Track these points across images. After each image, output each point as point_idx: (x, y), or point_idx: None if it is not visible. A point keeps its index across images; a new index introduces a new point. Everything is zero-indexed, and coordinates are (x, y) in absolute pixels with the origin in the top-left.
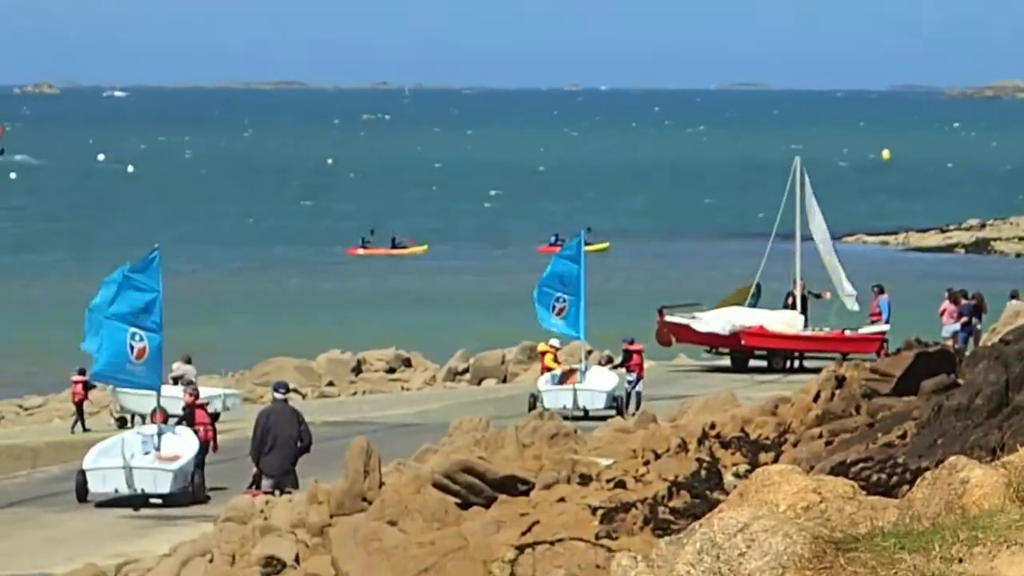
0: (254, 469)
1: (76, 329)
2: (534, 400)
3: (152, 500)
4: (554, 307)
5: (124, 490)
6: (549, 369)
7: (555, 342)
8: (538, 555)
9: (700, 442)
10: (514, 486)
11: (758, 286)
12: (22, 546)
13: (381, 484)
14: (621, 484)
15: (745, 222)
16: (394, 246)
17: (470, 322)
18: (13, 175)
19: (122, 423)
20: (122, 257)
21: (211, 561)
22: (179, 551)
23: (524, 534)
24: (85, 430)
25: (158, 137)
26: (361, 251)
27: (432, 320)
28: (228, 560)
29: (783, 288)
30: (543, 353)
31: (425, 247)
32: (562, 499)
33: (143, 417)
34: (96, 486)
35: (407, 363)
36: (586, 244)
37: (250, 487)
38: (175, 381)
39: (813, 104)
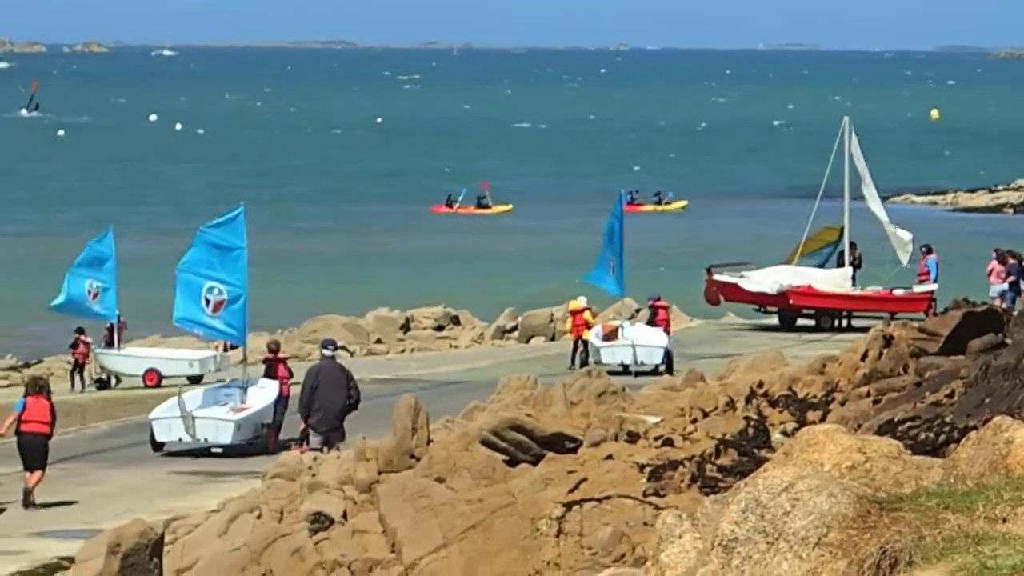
0: (302, 426)
1: (125, 286)
2: (585, 356)
3: (213, 450)
4: (611, 267)
5: (187, 439)
6: (589, 325)
7: (584, 300)
8: (585, 512)
9: (748, 400)
10: (562, 443)
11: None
12: (72, 502)
13: (429, 441)
14: (668, 442)
15: (791, 183)
16: (479, 205)
17: (522, 280)
18: (61, 132)
19: (101, 384)
20: (188, 215)
21: (259, 517)
22: (227, 507)
23: (572, 491)
24: (84, 388)
25: (207, 95)
26: (446, 209)
27: (482, 277)
28: (276, 516)
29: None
30: (577, 311)
31: (510, 206)
32: (610, 456)
33: (118, 379)
34: (162, 435)
35: (455, 321)
36: (665, 203)
37: (299, 443)
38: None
39: (860, 64)
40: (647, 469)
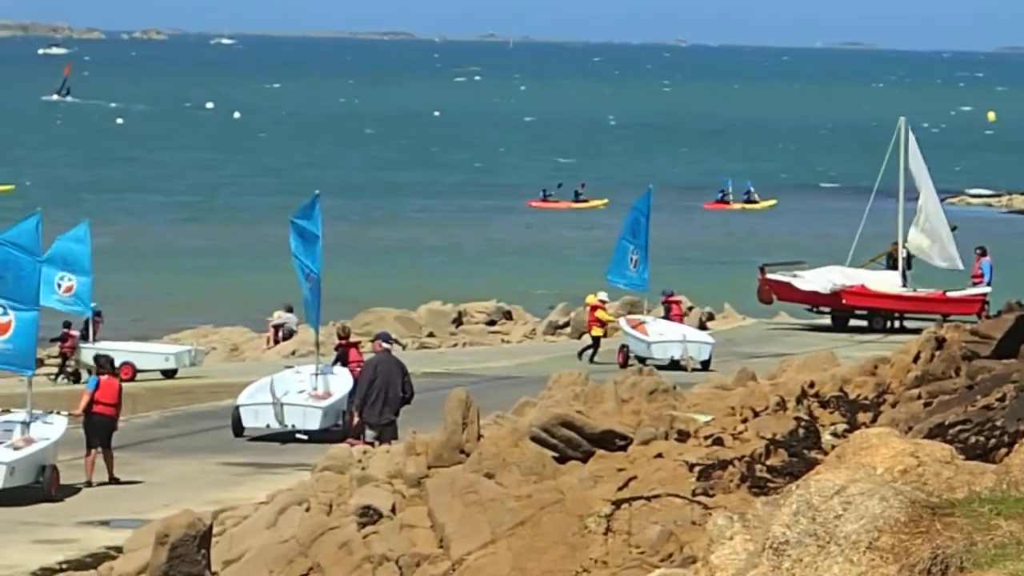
0: (356, 419)
1: (178, 276)
2: (592, 353)
3: (299, 436)
4: (632, 260)
5: (275, 426)
6: (603, 323)
7: (604, 295)
8: (634, 510)
9: (799, 401)
10: (612, 441)
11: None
12: (120, 491)
13: (479, 436)
14: (719, 441)
15: (846, 180)
16: (576, 199)
17: (577, 274)
18: (120, 120)
19: (76, 377)
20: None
21: (308, 510)
22: (276, 499)
23: (621, 489)
24: (65, 379)
25: (264, 85)
26: (541, 203)
27: (537, 272)
28: (325, 509)
29: (883, 247)
30: (595, 307)
31: (606, 200)
32: (659, 455)
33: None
34: (249, 421)
35: (508, 316)
36: (752, 202)
37: (352, 436)
38: (276, 330)
39: (919, 64)
40: (697, 468)
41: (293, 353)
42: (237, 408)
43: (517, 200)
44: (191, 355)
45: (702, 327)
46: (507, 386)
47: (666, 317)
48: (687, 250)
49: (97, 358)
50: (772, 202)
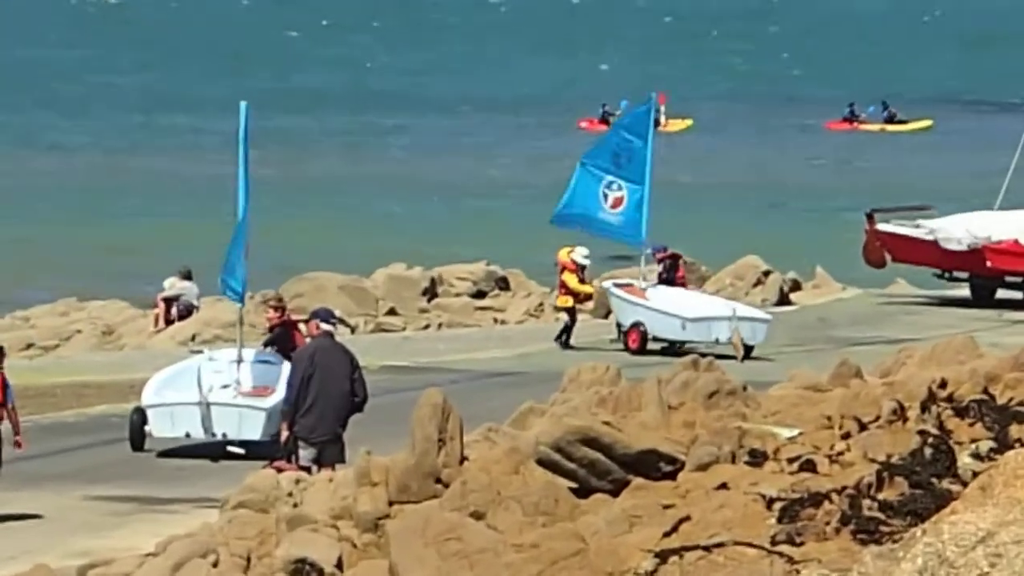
0: (285, 433)
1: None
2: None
3: (231, 448)
4: (606, 196)
5: (198, 434)
6: (572, 293)
7: (583, 253)
8: (687, 565)
9: (924, 408)
10: (654, 465)
11: None
12: None
13: (463, 459)
14: (809, 465)
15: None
16: (656, 125)
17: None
18: None
19: None
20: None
21: (215, 565)
22: (170, 549)
23: (668, 535)
24: None
25: None
26: (598, 125)
27: (544, 221)
28: (240, 564)
29: None
30: (564, 267)
31: (689, 122)
32: (723, 485)
33: None
34: (160, 428)
35: (502, 284)
36: (896, 120)
37: (279, 458)
38: (168, 305)
39: None
40: (778, 505)
41: (193, 338)
42: (141, 411)
43: (528, 117)
44: None
45: (783, 301)
46: (502, 386)
47: (670, 280)
48: (768, 190)
49: None
50: (925, 123)
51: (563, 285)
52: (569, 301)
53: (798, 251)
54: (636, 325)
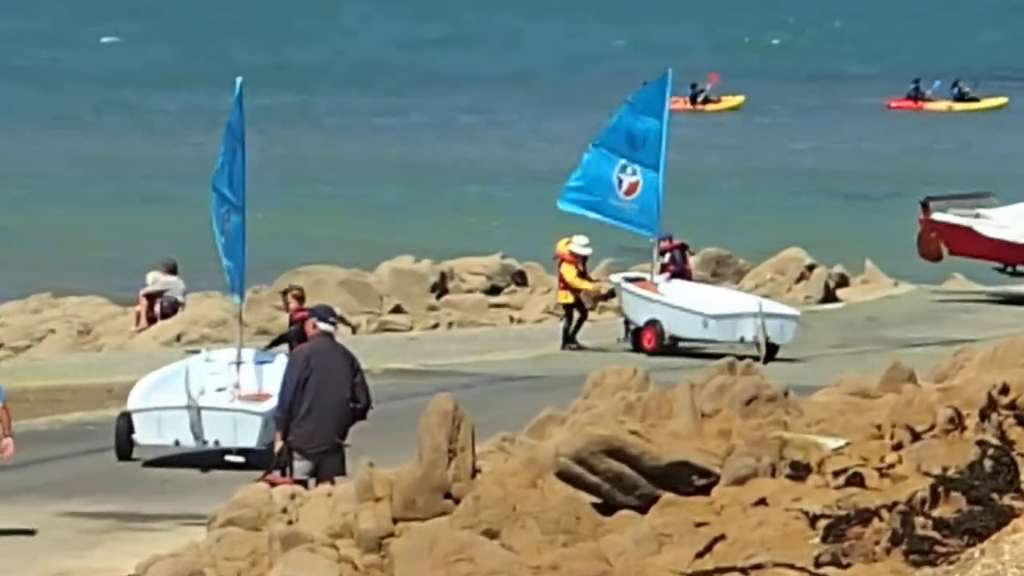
0: (279, 442)
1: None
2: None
3: (230, 457)
4: (620, 182)
5: (189, 442)
6: (571, 287)
7: (581, 242)
8: None
9: (984, 415)
10: (686, 478)
11: None
12: None
13: (475, 471)
14: (857, 479)
15: None
16: (703, 100)
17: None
18: None
19: None
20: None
21: None
22: (151, 571)
23: (701, 555)
24: None
25: None
26: (685, 104)
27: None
28: None
29: None
30: (563, 259)
31: (742, 98)
32: (762, 501)
33: None
34: (147, 435)
35: (519, 279)
36: (971, 100)
37: (272, 470)
38: (151, 301)
39: None
40: (822, 522)
41: (179, 338)
42: (127, 416)
43: (541, 91)
44: None
45: (829, 297)
46: (519, 391)
47: (680, 273)
48: (815, 175)
49: None
50: (999, 100)
51: (561, 279)
52: (569, 297)
53: (846, 243)
54: (651, 323)
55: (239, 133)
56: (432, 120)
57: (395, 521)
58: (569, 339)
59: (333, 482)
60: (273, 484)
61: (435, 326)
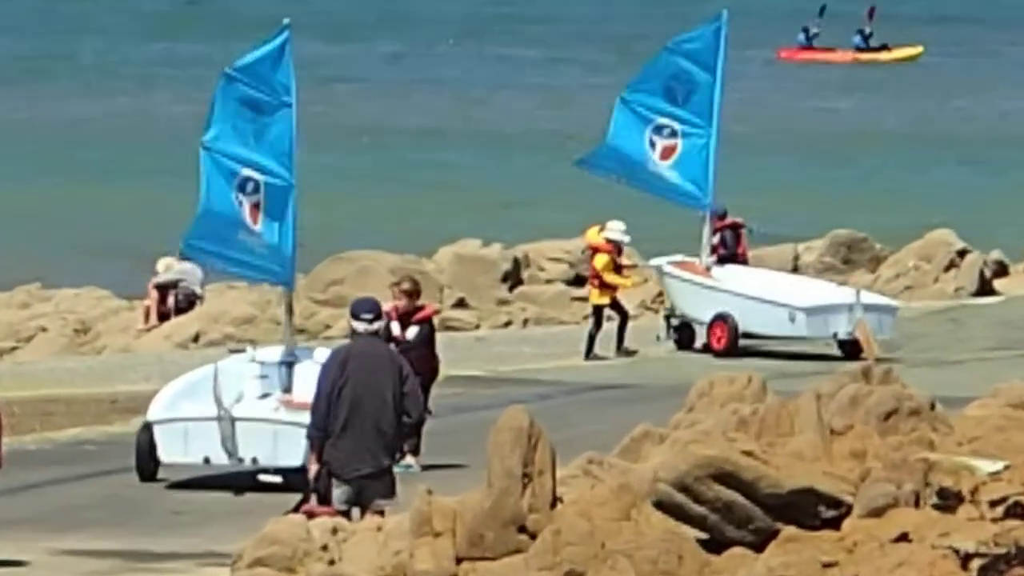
0: (313, 466)
1: None
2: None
3: (264, 477)
4: (653, 144)
5: (220, 458)
6: (604, 283)
7: (619, 228)
8: None
9: None
10: (812, 508)
11: None
12: None
13: (555, 500)
14: (1018, 510)
15: None
16: (865, 46)
17: (771, 189)
18: None
19: None
20: None
21: None
22: None
23: None
24: None
25: None
26: (804, 53)
27: None
28: None
29: None
30: (596, 249)
31: (919, 49)
32: (904, 536)
33: None
34: (171, 452)
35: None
36: None
37: (305, 500)
38: (162, 294)
39: None
40: (976, 562)
41: (196, 338)
42: (149, 428)
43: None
44: None
45: (984, 289)
46: (608, 403)
47: (731, 257)
48: (971, 142)
49: None
50: None
51: (597, 276)
52: (605, 296)
53: (1006, 224)
54: (721, 318)
55: (285, 89)
56: (500, 77)
57: (458, 561)
58: (617, 345)
59: (382, 513)
60: (311, 515)
61: (507, 324)
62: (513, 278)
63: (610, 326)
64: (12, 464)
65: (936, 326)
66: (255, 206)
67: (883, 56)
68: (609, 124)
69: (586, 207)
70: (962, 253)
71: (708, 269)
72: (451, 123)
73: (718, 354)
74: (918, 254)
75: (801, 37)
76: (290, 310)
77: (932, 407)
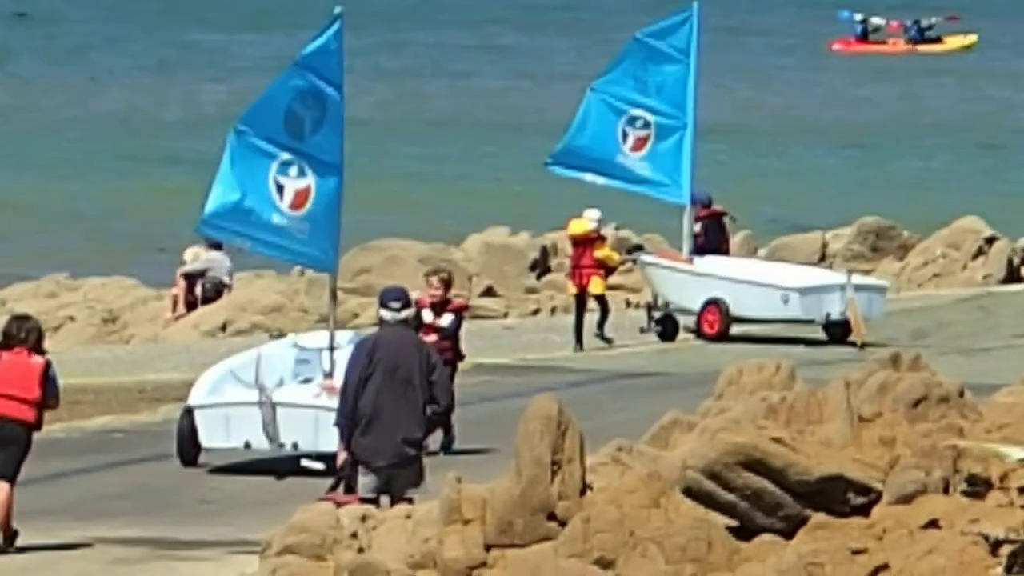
0: (342, 454)
1: None
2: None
3: (307, 463)
4: (625, 135)
5: (261, 443)
6: (603, 266)
7: (593, 215)
8: None
9: None
10: (841, 496)
11: None
12: None
13: (584, 488)
14: None
15: None
16: (920, 37)
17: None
18: None
19: None
20: None
21: None
22: None
23: None
24: None
25: None
26: (858, 46)
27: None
28: None
29: None
30: (582, 239)
31: (974, 38)
32: (933, 523)
33: None
34: (212, 437)
35: (635, 253)
36: None
37: (335, 487)
38: (190, 283)
39: None
40: (1005, 549)
41: (224, 327)
42: (190, 412)
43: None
44: None
45: (1013, 277)
46: (637, 391)
47: (712, 248)
48: (1001, 130)
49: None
50: None
51: (599, 264)
52: (599, 286)
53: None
54: (713, 303)
55: (336, 75)
56: (527, 65)
57: (488, 548)
58: (599, 332)
59: (411, 501)
60: (338, 504)
61: (535, 312)
62: (541, 266)
63: (591, 316)
64: (41, 453)
65: (964, 314)
66: (301, 190)
67: (938, 47)
68: (575, 116)
69: (611, 196)
70: (990, 241)
71: (690, 260)
72: (480, 113)
73: (712, 339)
74: (946, 242)
75: (858, 28)
76: (334, 295)
77: (961, 394)
